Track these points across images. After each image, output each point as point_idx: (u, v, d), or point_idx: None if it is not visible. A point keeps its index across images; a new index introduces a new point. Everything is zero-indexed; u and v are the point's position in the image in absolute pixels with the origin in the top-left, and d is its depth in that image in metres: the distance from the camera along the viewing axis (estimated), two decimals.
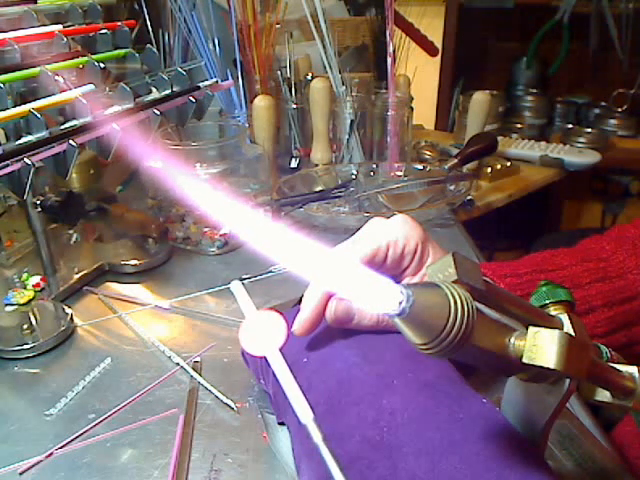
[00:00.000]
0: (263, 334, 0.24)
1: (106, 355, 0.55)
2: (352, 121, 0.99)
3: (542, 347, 0.24)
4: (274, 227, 0.24)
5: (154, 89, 0.67)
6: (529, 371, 0.27)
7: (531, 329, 0.25)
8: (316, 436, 0.21)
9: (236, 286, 0.29)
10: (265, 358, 0.24)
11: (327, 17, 0.96)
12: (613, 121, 1.75)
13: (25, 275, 0.66)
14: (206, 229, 0.76)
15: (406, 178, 0.91)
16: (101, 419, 0.46)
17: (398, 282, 0.22)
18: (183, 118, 0.70)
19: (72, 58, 0.64)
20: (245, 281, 0.68)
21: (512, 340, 0.25)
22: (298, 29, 1.21)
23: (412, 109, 1.02)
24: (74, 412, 0.48)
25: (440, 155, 1.21)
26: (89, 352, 0.56)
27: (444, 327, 0.22)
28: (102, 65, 0.64)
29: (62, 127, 0.55)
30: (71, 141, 0.54)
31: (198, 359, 0.54)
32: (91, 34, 0.70)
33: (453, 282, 0.24)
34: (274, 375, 0.23)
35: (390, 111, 0.96)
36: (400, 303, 0.22)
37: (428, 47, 1.37)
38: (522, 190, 1.19)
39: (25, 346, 0.55)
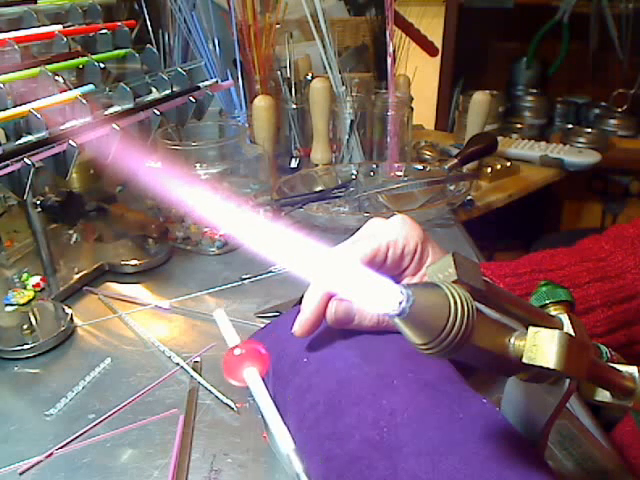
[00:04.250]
0: (245, 365, 0.24)
1: (106, 355, 0.55)
2: (352, 121, 0.99)
3: (542, 347, 0.24)
4: (274, 227, 0.24)
5: (154, 89, 0.67)
6: (529, 371, 0.27)
7: (531, 329, 0.25)
8: (297, 467, 0.21)
9: (219, 315, 0.29)
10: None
11: (327, 17, 0.96)
12: (613, 121, 1.75)
13: (25, 275, 0.66)
14: (206, 229, 0.76)
15: (406, 178, 0.91)
16: (101, 419, 0.46)
17: (398, 282, 0.22)
18: (183, 118, 0.70)
19: (72, 58, 0.64)
20: (245, 281, 0.68)
21: (512, 340, 0.25)
22: (298, 29, 1.21)
23: (412, 109, 1.02)
24: (74, 412, 0.48)
25: (440, 155, 1.21)
26: (89, 352, 0.56)
27: (444, 327, 0.22)
28: (102, 65, 0.64)
29: (62, 127, 0.55)
30: (71, 141, 0.54)
31: (198, 359, 0.54)
32: (91, 34, 0.70)
33: (453, 282, 0.24)
34: (255, 402, 0.23)
35: (390, 111, 0.96)
36: (400, 303, 0.22)
37: (428, 47, 1.37)
38: (522, 190, 1.19)
39: (25, 346, 0.55)
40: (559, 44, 1.77)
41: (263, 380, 0.23)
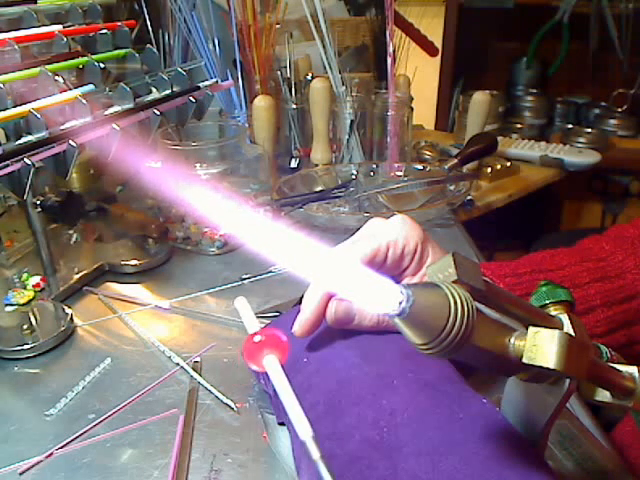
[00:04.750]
0: (265, 351, 0.24)
1: (106, 355, 0.55)
2: (352, 121, 0.99)
3: (542, 347, 0.24)
4: (274, 227, 0.24)
5: (154, 89, 0.67)
6: (529, 371, 0.27)
7: (531, 329, 0.25)
8: (314, 454, 0.21)
9: (240, 302, 0.29)
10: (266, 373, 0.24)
11: (327, 17, 0.96)
12: (613, 121, 1.75)
13: (25, 275, 0.66)
14: (206, 229, 0.76)
15: (406, 178, 0.91)
16: (101, 419, 0.46)
17: (398, 282, 0.22)
18: (183, 118, 0.70)
19: (72, 58, 0.64)
20: (245, 281, 0.68)
21: (512, 340, 0.25)
22: (298, 29, 1.21)
23: (412, 109, 1.02)
24: (74, 412, 0.48)
25: (440, 155, 1.21)
26: (89, 352, 0.56)
27: (444, 327, 0.22)
28: (102, 65, 0.64)
29: (62, 127, 0.55)
30: (71, 141, 0.54)
31: (198, 359, 0.54)
32: (91, 34, 0.70)
33: (453, 282, 0.24)
34: (274, 390, 0.24)
35: (390, 111, 0.96)
36: (400, 303, 0.22)
37: (428, 47, 1.37)
38: (522, 190, 1.19)
39: (25, 346, 0.55)
40: (559, 44, 1.77)
41: (282, 367, 0.23)
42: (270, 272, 0.69)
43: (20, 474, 0.42)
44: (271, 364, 0.24)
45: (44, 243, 0.65)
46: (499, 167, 1.19)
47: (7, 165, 0.50)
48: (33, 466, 0.42)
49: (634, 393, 0.28)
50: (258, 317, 0.61)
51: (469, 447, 0.31)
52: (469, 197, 1.03)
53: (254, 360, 0.24)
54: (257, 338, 0.24)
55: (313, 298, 0.40)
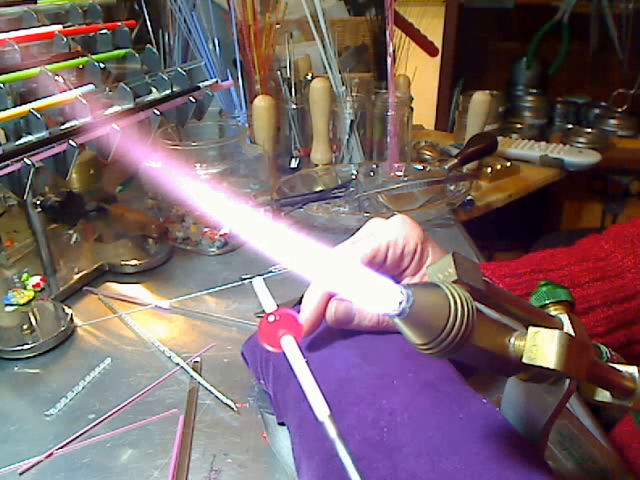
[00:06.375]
0: (279, 331, 0.24)
1: (106, 355, 0.55)
2: (352, 121, 0.99)
3: (542, 347, 0.24)
4: (274, 227, 0.24)
5: (154, 89, 0.67)
6: (529, 371, 0.27)
7: (531, 329, 0.25)
8: (332, 432, 0.21)
9: (258, 283, 0.29)
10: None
11: (327, 17, 0.96)
12: (613, 121, 1.75)
13: (25, 275, 0.66)
14: (206, 229, 0.76)
15: (406, 178, 0.91)
16: (101, 419, 0.46)
17: (398, 282, 0.22)
18: (183, 118, 0.70)
19: (72, 58, 0.64)
20: (245, 281, 0.68)
21: (512, 340, 0.25)
22: (298, 29, 1.21)
23: (412, 109, 1.02)
24: (74, 412, 0.48)
25: (440, 155, 1.21)
26: (89, 352, 0.56)
27: (444, 327, 0.22)
28: (102, 65, 0.64)
29: (62, 127, 0.55)
30: (71, 141, 0.54)
31: (198, 359, 0.54)
32: (91, 34, 0.70)
33: (453, 282, 0.24)
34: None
35: (390, 111, 0.96)
36: (400, 303, 0.22)
37: (428, 47, 1.37)
38: (522, 190, 1.19)
39: (25, 346, 0.55)
40: (559, 44, 1.77)
41: (299, 346, 0.24)
42: (270, 272, 0.69)
43: (20, 474, 0.42)
44: (288, 343, 0.24)
45: (44, 243, 0.65)
46: (499, 167, 1.19)
47: (7, 165, 0.50)
48: (33, 466, 0.42)
49: (634, 393, 0.28)
50: (258, 317, 0.61)
51: (469, 447, 0.31)
52: (469, 197, 1.03)
53: (270, 340, 0.24)
54: (271, 318, 0.24)
55: (313, 298, 0.40)
